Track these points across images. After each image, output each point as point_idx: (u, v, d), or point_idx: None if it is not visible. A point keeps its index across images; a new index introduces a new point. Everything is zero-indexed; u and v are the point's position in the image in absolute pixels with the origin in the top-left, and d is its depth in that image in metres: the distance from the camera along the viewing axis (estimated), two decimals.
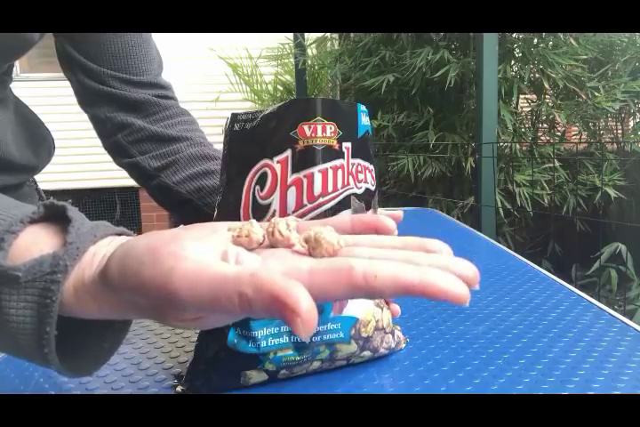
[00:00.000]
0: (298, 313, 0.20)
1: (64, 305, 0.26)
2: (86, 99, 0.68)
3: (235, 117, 0.41)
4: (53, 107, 3.26)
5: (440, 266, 0.23)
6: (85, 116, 0.70)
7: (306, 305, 0.20)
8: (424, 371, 0.42)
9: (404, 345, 0.47)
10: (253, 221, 0.27)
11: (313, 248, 0.25)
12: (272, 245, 0.27)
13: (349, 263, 0.23)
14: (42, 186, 0.78)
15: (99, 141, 0.71)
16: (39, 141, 0.72)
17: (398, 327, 0.46)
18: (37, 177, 0.76)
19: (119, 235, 0.29)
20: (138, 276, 0.23)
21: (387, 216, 0.46)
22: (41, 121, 0.74)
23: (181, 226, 0.28)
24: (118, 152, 0.68)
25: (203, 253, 0.24)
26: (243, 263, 0.25)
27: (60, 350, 0.27)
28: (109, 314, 0.27)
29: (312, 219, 0.37)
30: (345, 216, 0.30)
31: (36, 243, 0.27)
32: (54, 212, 0.28)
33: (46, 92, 3.60)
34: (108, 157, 0.71)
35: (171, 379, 0.42)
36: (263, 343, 0.38)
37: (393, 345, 0.44)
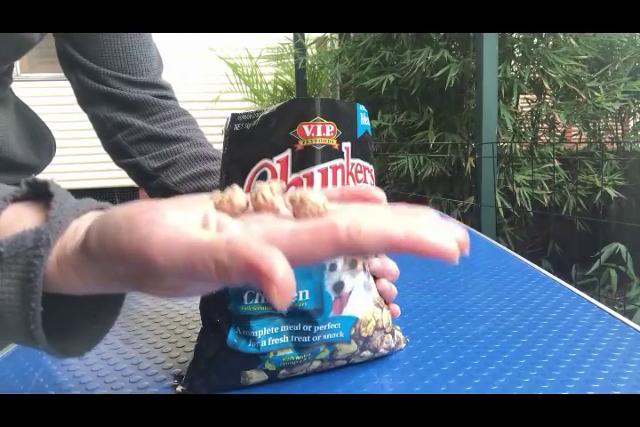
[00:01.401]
0: (273, 280, 0.20)
1: (48, 279, 0.26)
2: (86, 99, 0.68)
3: (235, 118, 0.41)
4: (53, 107, 3.26)
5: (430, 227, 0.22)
6: (85, 116, 0.70)
7: (281, 272, 0.20)
8: (424, 371, 0.42)
9: (403, 345, 0.47)
10: (236, 186, 0.26)
11: (297, 208, 0.24)
12: (256, 211, 0.26)
13: (331, 220, 0.22)
14: None
15: (98, 141, 0.71)
16: (40, 141, 0.72)
17: (398, 327, 0.46)
18: (37, 177, 0.76)
19: (103, 209, 0.29)
20: (115, 242, 0.23)
21: None
22: (42, 121, 0.74)
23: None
24: (118, 152, 0.68)
25: (181, 220, 0.23)
26: (224, 229, 0.24)
27: (51, 332, 0.26)
28: (93, 287, 0.26)
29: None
30: (333, 188, 0.30)
31: (19, 220, 0.27)
32: (37, 189, 0.29)
33: (46, 92, 3.60)
34: (108, 157, 0.70)
35: (171, 379, 0.42)
36: (263, 343, 0.38)
37: (393, 345, 0.44)
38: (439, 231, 0.21)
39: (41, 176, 0.75)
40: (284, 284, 0.20)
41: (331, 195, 0.28)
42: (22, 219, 0.27)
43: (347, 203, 0.27)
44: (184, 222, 0.23)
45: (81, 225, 0.27)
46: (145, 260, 0.22)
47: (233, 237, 0.21)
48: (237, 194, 0.26)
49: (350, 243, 0.21)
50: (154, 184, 0.66)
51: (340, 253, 0.22)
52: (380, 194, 0.28)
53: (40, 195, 0.28)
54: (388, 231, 0.21)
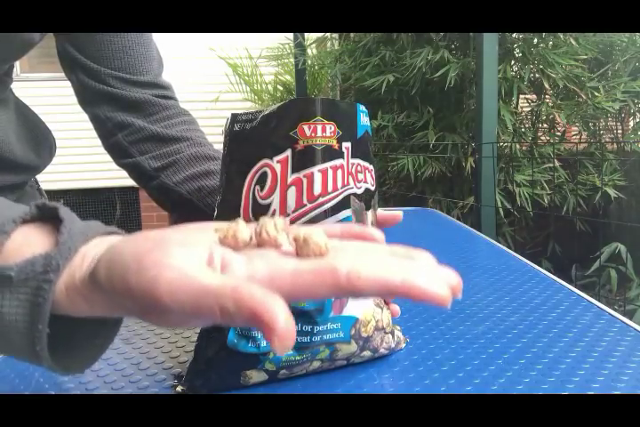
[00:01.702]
0: (274, 330, 0.21)
1: (56, 304, 0.26)
2: (87, 98, 0.68)
3: (235, 118, 0.41)
4: (53, 107, 3.26)
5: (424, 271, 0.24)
6: (85, 116, 0.70)
7: (282, 321, 0.21)
8: (424, 371, 0.42)
9: (403, 345, 0.47)
10: (240, 220, 0.27)
11: (300, 248, 0.25)
12: (260, 246, 0.26)
13: (332, 264, 0.23)
14: (42, 186, 0.78)
15: (98, 141, 0.71)
16: (40, 141, 0.72)
17: (398, 327, 0.46)
18: (38, 177, 0.76)
19: (110, 234, 0.29)
20: (124, 282, 0.24)
21: (387, 216, 0.47)
22: (42, 121, 0.74)
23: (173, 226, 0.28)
24: (118, 152, 0.68)
25: (187, 259, 0.24)
26: (228, 268, 0.25)
27: (52, 348, 0.27)
28: (101, 313, 0.27)
29: (312, 218, 0.37)
30: (335, 225, 0.31)
31: (27, 243, 0.27)
32: (46, 212, 0.29)
33: (46, 92, 3.60)
34: (108, 157, 0.70)
35: (171, 379, 0.42)
36: (263, 343, 0.38)
37: (393, 345, 0.44)
38: (433, 278, 0.23)
39: (42, 176, 0.75)
40: (285, 333, 0.21)
41: (332, 232, 0.29)
42: (31, 243, 0.27)
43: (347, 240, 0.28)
44: (190, 263, 0.24)
45: (88, 251, 0.27)
46: (153, 300, 0.23)
47: (238, 284, 0.22)
48: (242, 229, 0.26)
49: (350, 287, 0.22)
50: (154, 184, 0.66)
51: (339, 296, 0.23)
52: (379, 235, 0.29)
53: (49, 217, 0.29)
54: (386, 278, 0.22)
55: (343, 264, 0.23)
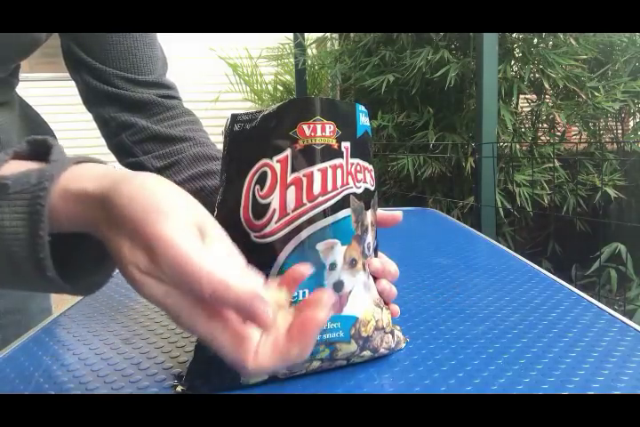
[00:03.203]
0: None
1: (52, 213, 0.28)
2: (91, 98, 0.68)
3: (235, 118, 0.41)
4: (53, 107, 3.26)
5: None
6: (85, 117, 0.70)
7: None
8: (424, 371, 0.42)
9: (403, 345, 0.47)
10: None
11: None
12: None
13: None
14: None
15: (99, 141, 0.71)
16: None
17: (398, 327, 0.46)
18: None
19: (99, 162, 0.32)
20: (136, 223, 0.27)
21: (386, 216, 0.47)
22: (45, 122, 0.74)
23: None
24: (122, 152, 0.68)
25: (199, 250, 0.27)
26: (212, 242, 0.29)
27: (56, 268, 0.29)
28: (93, 230, 0.29)
29: (311, 217, 0.37)
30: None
31: (21, 167, 0.29)
32: (37, 146, 0.31)
33: (46, 92, 3.60)
34: (109, 157, 0.71)
35: (171, 379, 0.42)
36: None
37: (393, 345, 0.44)
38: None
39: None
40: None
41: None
42: (25, 167, 0.29)
43: None
44: (199, 253, 0.27)
45: (84, 171, 0.30)
46: (153, 254, 0.26)
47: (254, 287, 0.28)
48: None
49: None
50: None
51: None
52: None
53: (40, 155, 0.31)
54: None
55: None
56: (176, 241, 0.26)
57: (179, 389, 0.40)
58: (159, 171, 0.65)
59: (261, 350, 0.28)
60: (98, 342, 0.50)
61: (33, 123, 0.71)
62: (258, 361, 0.28)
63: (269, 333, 0.28)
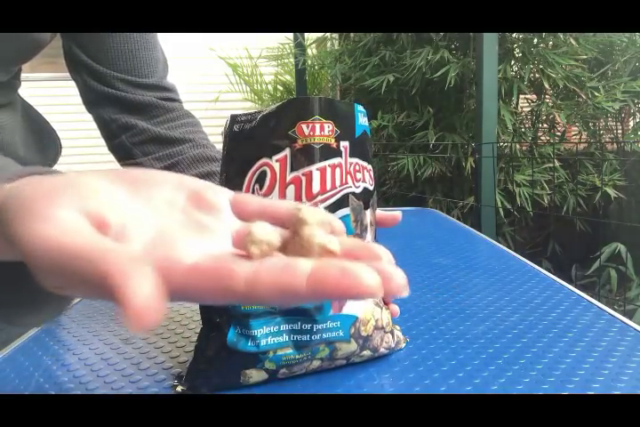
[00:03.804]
0: (125, 309, 0.18)
1: None
2: (91, 100, 0.68)
3: (234, 119, 0.41)
4: (53, 107, 3.26)
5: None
6: (85, 117, 0.70)
7: (139, 297, 0.18)
8: (424, 371, 0.42)
9: (403, 345, 0.47)
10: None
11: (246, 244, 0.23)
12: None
13: (231, 267, 0.21)
14: None
15: (99, 142, 0.71)
16: (46, 144, 0.72)
17: (398, 327, 0.46)
18: None
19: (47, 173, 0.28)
20: (11, 226, 0.22)
21: (386, 217, 0.47)
22: (48, 123, 0.74)
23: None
24: (122, 153, 0.68)
25: (75, 218, 0.22)
26: (125, 236, 0.23)
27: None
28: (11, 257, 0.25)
29: None
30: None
31: None
32: None
33: (46, 92, 3.60)
34: (109, 158, 0.71)
35: (171, 379, 0.42)
36: (263, 342, 0.38)
37: (393, 345, 0.44)
38: (348, 270, 0.20)
39: None
40: (140, 309, 0.18)
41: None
42: None
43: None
44: (76, 221, 0.22)
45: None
46: (26, 255, 0.21)
47: (110, 249, 0.20)
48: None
49: (247, 294, 0.20)
50: None
51: (236, 301, 0.21)
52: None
53: None
54: (286, 284, 0.20)
55: (242, 268, 0.20)
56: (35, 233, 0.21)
57: (179, 389, 0.40)
58: None
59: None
60: (98, 342, 0.50)
61: (35, 123, 0.71)
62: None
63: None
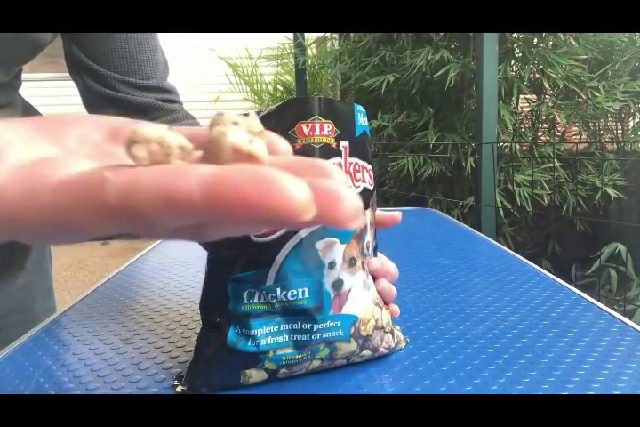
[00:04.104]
0: None
1: None
2: (92, 101, 0.68)
3: None
4: (53, 107, 3.26)
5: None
6: None
7: None
8: (424, 371, 0.42)
9: (403, 345, 0.47)
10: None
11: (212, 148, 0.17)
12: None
13: (103, 174, 0.16)
14: None
15: None
16: None
17: (398, 327, 0.46)
18: None
19: None
20: None
21: (385, 217, 0.47)
22: None
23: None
24: None
25: None
26: None
27: None
28: None
29: None
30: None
31: None
32: None
33: (45, 92, 3.60)
34: None
35: (171, 379, 0.42)
36: (263, 342, 0.38)
37: (393, 345, 0.44)
38: (270, 180, 0.14)
39: None
40: None
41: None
42: None
43: None
44: None
45: None
46: None
47: None
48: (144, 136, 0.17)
49: (121, 204, 0.15)
50: None
51: (111, 222, 0.16)
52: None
53: None
54: (174, 185, 0.15)
55: (120, 175, 0.16)
56: None
57: (179, 389, 0.40)
58: None
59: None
60: (98, 342, 0.50)
61: None
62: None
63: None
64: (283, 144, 0.20)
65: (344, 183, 0.17)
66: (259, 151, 0.16)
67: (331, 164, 0.19)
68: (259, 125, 0.18)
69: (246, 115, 0.18)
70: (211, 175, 0.14)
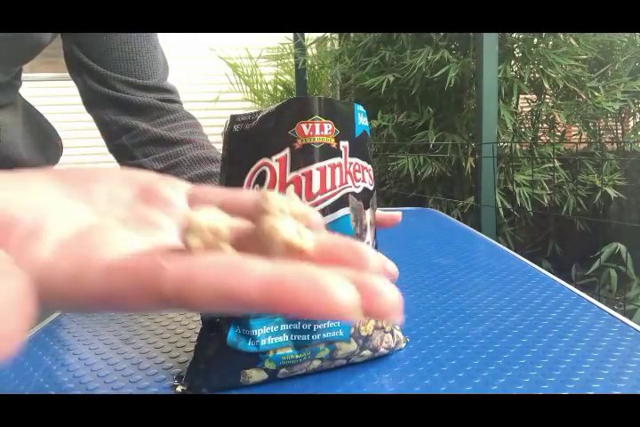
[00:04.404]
0: None
1: None
2: (92, 101, 0.68)
3: (234, 119, 0.41)
4: (53, 107, 3.26)
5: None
6: (85, 117, 0.70)
7: None
8: (424, 371, 0.42)
9: (403, 345, 0.47)
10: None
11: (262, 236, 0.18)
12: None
13: (158, 263, 0.17)
14: None
15: (99, 142, 0.71)
16: (47, 144, 0.72)
17: (398, 327, 0.46)
18: None
19: None
20: None
21: (385, 217, 0.47)
22: (49, 123, 0.75)
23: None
24: (123, 154, 0.68)
25: None
26: (34, 236, 0.19)
27: None
28: None
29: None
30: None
31: None
32: None
33: (45, 92, 3.61)
34: (108, 158, 0.71)
35: (171, 379, 0.42)
36: (263, 342, 0.38)
37: (393, 345, 0.44)
38: (322, 282, 0.15)
39: None
40: None
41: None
42: None
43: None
44: None
45: None
46: None
47: None
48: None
49: (178, 297, 0.16)
50: None
51: (165, 307, 0.17)
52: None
53: None
54: (231, 285, 0.15)
55: (176, 265, 0.16)
56: None
57: (179, 389, 0.40)
58: (159, 173, 0.66)
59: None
60: (98, 342, 0.50)
61: (36, 124, 0.71)
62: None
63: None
64: (315, 217, 0.20)
65: (383, 272, 0.18)
66: (307, 246, 0.17)
67: (363, 244, 0.19)
68: (301, 208, 0.19)
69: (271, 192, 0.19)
70: (269, 276, 0.15)
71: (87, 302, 0.17)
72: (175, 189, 0.24)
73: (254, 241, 0.18)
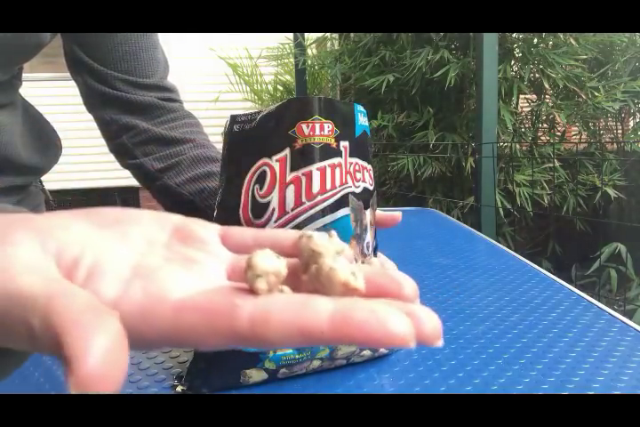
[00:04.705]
0: (74, 368, 0.15)
1: None
2: (92, 100, 0.68)
3: (234, 119, 0.41)
4: (53, 107, 3.26)
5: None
6: (85, 117, 0.70)
7: (92, 359, 0.15)
8: (424, 371, 0.42)
9: None
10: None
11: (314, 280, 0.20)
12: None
13: (234, 302, 0.17)
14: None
15: (99, 142, 0.71)
16: (46, 144, 0.72)
17: None
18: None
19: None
20: None
21: (385, 217, 0.47)
22: (48, 123, 0.75)
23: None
24: (123, 153, 0.68)
25: (24, 255, 0.18)
26: (95, 282, 0.19)
27: None
28: None
29: (310, 216, 0.37)
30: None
31: None
32: None
33: (46, 92, 3.60)
34: (109, 158, 0.71)
35: (171, 379, 0.42)
36: None
37: None
38: (380, 315, 0.17)
39: (43, 176, 0.75)
40: (90, 375, 0.15)
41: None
42: None
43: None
44: (25, 259, 0.18)
45: None
46: None
47: (58, 291, 0.16)
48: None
49: (254, 335, 0.17)
50: (157, 185, 0.66)
51: (242, 345, 0.18)
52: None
53: None
54: (304, 323, 0.17)
55: (248, 304, 0.17)
56: None
57: (179, 389, 0.40)
58: (160, 172, 0.65)
59: None
60: None
61: (36, 123, 0.71)
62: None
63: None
64: (348, 250, 0.22)
65: (416, 295, 0.20)
66: (361, 286, 0.19)
67: (399, 273, 0.21)
68: (340, 244, 0.21)
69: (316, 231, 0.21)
70: (335, 312, 0.17)
71: (155, 339, 0.18)
72: (207, 229, 0.24)
73: (310, 281, 0.20)
